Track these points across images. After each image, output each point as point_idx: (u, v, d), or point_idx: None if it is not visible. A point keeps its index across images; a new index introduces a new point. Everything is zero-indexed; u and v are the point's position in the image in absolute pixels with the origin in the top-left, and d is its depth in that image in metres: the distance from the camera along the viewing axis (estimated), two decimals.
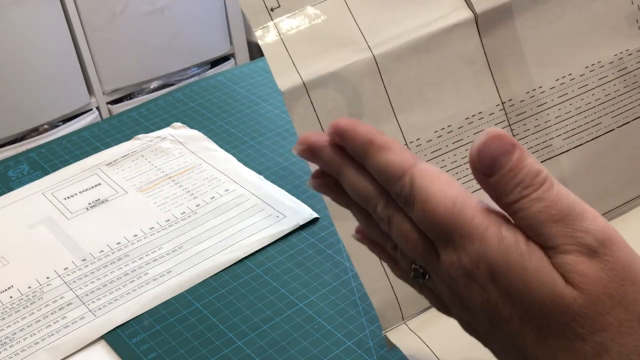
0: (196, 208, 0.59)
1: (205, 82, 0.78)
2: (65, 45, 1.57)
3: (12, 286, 0.53)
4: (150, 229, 0.58)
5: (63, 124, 1.64)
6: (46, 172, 0.65)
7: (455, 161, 0.42)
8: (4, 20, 1.47)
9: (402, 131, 0.41)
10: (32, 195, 0.62)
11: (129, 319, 0.50)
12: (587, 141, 0.44)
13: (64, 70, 1.59)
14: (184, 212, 0.59)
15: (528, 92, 0.43)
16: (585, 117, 0.44)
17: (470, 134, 0.42)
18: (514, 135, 0.43)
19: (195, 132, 0.69)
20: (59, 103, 1.61)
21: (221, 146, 0.67)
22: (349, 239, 0.40)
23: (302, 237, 0.56)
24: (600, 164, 0.45)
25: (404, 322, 0.42)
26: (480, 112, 0.42)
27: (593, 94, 0.44)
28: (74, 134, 0.70)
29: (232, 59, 1.86)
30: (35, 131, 1.61)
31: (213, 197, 0.60)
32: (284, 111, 0.71)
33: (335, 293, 0.51)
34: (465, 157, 0.42)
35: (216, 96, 0.75)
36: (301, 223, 0.57)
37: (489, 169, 0.26)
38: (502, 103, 0.42)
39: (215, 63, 1.84)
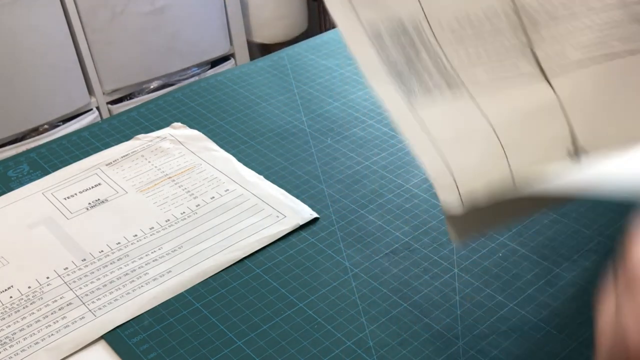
0: (196, 208, 0.59)
1: (205, 82, 0.78)
2: (65, 46, 1.57)
3: (12, 286, 0.53)
4: (150, 229, 0.58)
5: (63, 124, 1.64)
6: (46, 172, 0.65)
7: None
8: (4, 20, 1.47)
9: (423, 11, 0.44)
10: (32, 195, 0.62)
11: (129, 319, 0.50)
12: (600, 55, 0.45)
13: (64, 70, 1.59)
14: (184, 212, 0.59)
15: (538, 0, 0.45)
16: (596, 33, 0.45)
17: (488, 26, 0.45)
18: (528, 39, 0.45)
19: (195, 132, 0.69)
20: (59, 103, 1.61)
21: (221, 146, 0.67)
22: (391, 101, 0.42)
23: (302, 237, 0.56)
24: (616, 85, 0.46)
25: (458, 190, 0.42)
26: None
27: (598, 15, 0.46)
28: (74, 134, 0.70)
29: (232, 59, 1.86)
30: (35, 131, 1.61)
31: (213, 197, 0.60)
32: (284, 111, 0.71)
33: (335, 293, 0.51)
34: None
35: (216, 96, 0.75)
36: (301, 223, 0.57)
37: None
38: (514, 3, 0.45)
39: (215, 63, 1.84)
